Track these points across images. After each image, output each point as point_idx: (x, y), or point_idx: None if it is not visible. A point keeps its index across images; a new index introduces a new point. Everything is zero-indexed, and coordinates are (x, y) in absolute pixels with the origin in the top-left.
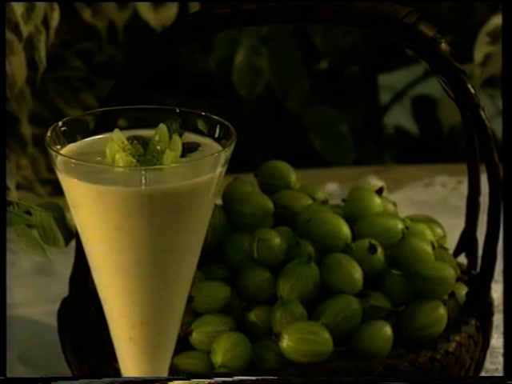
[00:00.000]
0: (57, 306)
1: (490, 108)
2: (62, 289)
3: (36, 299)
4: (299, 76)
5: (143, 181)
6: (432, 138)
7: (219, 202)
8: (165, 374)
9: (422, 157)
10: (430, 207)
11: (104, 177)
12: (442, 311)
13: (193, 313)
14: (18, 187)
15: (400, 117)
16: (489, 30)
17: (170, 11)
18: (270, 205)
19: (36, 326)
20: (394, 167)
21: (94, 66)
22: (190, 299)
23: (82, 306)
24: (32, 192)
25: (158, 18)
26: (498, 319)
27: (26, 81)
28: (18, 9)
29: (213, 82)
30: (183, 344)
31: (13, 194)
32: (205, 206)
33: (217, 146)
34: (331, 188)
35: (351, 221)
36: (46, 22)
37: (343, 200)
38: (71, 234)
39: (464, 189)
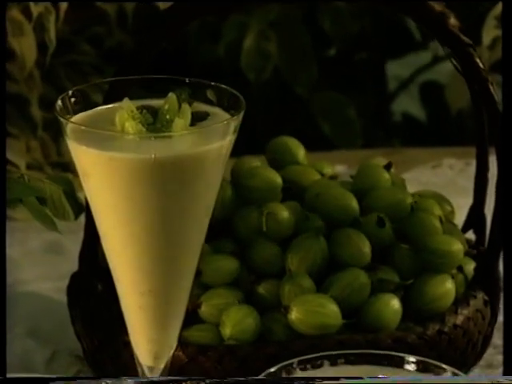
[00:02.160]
0: (66, 282)
1: (498, 94)
2: (71, 266)
3: (45, 276)
4: (307, 61)
5: (152, 148)
6: (440, 123)
7: (228, 177)
8: (174, 343)
9: (429, 142)
10: (438, 188)
11: (113, 144)
12: (450, 285)
13: (202, 286)
14: (28, 167)
15: (408, 103)
16: (496, 14)
17: None
18: (278, 179)
19: (45, 301)
20: (401, 150)
21: (103, 51)
22: (199, 273)
23: (91, 281)
24: (41, 173)
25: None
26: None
27: (35, 64)
28: None
29: (221, 68)
30: (192, 317)
31: (23, 171)
32: (214, 175)
33: (226, 115)
34: (339, 169)
35: (360, 195)
36: (55, 2)
37: (351, 177)
38: (81, 208)
39: (471, 171)
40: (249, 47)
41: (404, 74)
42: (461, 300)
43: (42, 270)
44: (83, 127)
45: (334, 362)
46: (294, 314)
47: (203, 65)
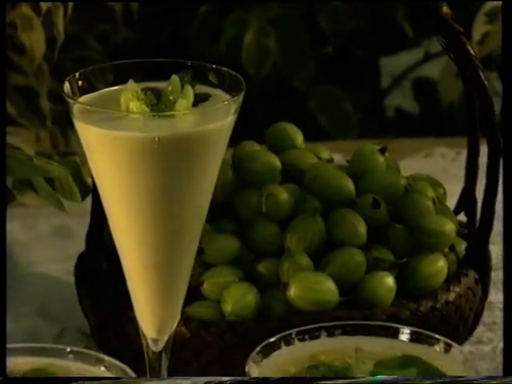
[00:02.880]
0: (73, 263)
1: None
2: (78, 249)
3: (54, 258)
4: (305, 57)
5: (156, 127)
6: (431, 117)
7: (229, 160)
8: (177, 316)
9: (422, 134)
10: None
11: (118, 123)
12: (443, 263)
13: (204, 264)
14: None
15: (401, 98)
16: (486, 11)
17: None
18: (277, 162)
19: (54, 282)
20: (395, 140)
21: (109, 48)
22: (201, 251)
23: (97, 260)
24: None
25: None
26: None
27: (44, 59)
28: None
29: (222, 64)
30: (195, 294)
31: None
32: (215, 153)
33: (227, 97)
34: (335, 158)
35: (355, 178)
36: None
37: (347, 161)
38: (87, 190)
39: (462, 159)
40: (249, 43)
41: (397, 70)
42: (452, 278)
43: (51, 252)
44: (89, 107)
45: (331, 333)
46: (293, 291)
47: (204, 61)
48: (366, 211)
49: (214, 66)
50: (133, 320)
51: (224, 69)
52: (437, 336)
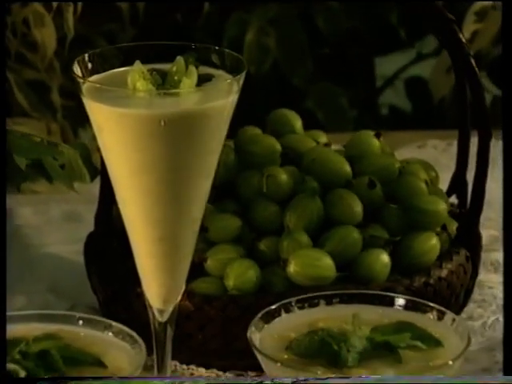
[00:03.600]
0: (83, 245)
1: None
2: (88, 232)
3: (65, 240)
4: (304, 55)
5: (161, 105)
6: (423, 113)
7: (231, 144)
8: (182, 287)
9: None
10: None
11: (125, 101)
12: (435, 241)
13: (207, 242)
14: None
15: (394, 96)
16: (476, 10)
17: None
18: (277, 145)
19: (64, 262)
20: (389, 133)
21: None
22: (205, 230)
23: (106, 239)
24: None
25: None
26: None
27: (56, 56)
28: None
29: None
30: (198, 270)
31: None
32: (218, 130)
33: (229, 77)
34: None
35: (352, 161)
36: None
37: (344, 146)
38: (96, 171)
39: (453, 150)
40: (250, 42)
41: (391, 69)
42: (445, 255)
43: (62, 235)
44: (98, 85)
45: (329, 301)
46: (292, 267)
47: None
48: (362, 192)
49: (216, 48)
50: (140, 295)
51: (226, 50)
52: (430, 304)
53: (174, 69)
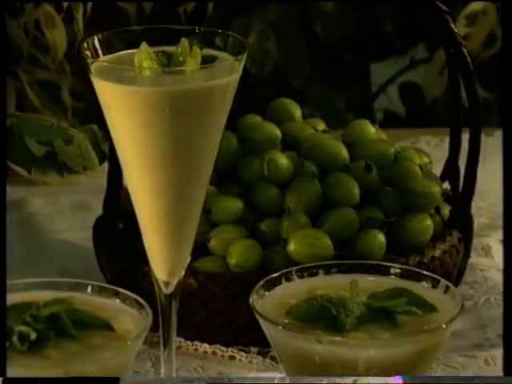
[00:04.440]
0: (91, 232)
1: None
2: None
3: (74, 228)
4: (303, 58)
5: (167, 83)
6: (417, 116)
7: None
8: (186, 260)
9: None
10: None
11: (132, 80)
12: (429, 222)
13: (210, 223)
14: None
15: (388, 102)
16: (466, 14)
17: None
18: (277, 132)
19: (73, 246)
20: (384, 130)
21: None
22: (208, 211)
23: (114, 221)
24: None
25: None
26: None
27: (66, 58)
28: None
29: None
30: (202, 250)
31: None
32: (221, 108)
33: (232, 58)
34: None
35: (349, 147)
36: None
37: (341, 135)
38: (104, 156)
39: (445, 145)
40: (251, 46)
41: (385, 75)
42: (438, 237)
43: (72, 223)
44: (106, 64)
45: (327, 271)
46: (292, 246)
47: None
48: (359, 175)
49: (220, 31)
50: (146, 273)
51: (230, 33)
52: (424, 272)
53: (179, 50)
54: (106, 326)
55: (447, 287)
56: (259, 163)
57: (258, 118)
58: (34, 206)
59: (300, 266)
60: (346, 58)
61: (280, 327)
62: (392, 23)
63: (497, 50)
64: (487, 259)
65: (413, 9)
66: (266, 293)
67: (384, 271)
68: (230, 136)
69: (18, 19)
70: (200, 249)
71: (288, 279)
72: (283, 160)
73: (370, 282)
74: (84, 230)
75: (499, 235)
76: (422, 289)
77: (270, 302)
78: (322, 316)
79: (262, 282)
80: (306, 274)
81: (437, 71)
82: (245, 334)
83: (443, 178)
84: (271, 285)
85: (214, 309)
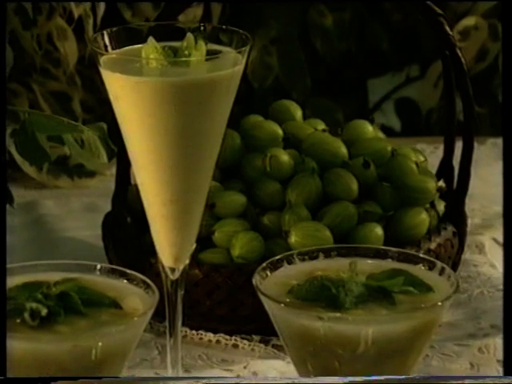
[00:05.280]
0: (100, 232)
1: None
2: None
3: (83, 227)
4: (302, 72)
5: (173, 74)
6: (412, 130)
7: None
8: (191, 247)
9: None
10: None
11: (140, 71)
12: (424, 216)
13: (215, 217)
14: None
15: (385, 116)
16: (459, 29)
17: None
18: (279, 130)
19: (82, 244)
20: None
21: None
22: (212, 205)
23: (122, 216)
24: None
25: (185, 17)
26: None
27: (77, 72)
28: None
29: None
30: (207, 243)
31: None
32: (225, 98)
33: (235, 51)
34: None
35: (348, 145)
36: (94, 9)
37: (340, 133)
38: (113, 153)
39: (439, 153)
40: (253, 60)
41: (382, 91)
42: (433, 230)
43: (81, 223)
44: (114, 55)
45: (327, 254)
46: (293, 238)
47: None
48: (358, 171)
49: (224, 27)
50: (152, 265)
51: (233, 29)
52: (421, 255)
53: (185, 44)
54: (114, 304)
55: (443, 269)
56: (261, 160)
57: (260, 118)
58: (46, 207)
59: (301, 250)
60: (343, 74)
61: (282, 305)
62: (388, 41)
63: (488, 63)
64: (480, 256)
65: (408, 27)
66: (269, 274)
67: (382, 255)
68: (233, 134)
69: (31, 30)
70: (204, 241)
71: (289, 262)
72: (285, 156)
73: (368, 265)
74: (93, 230)
75: (491, 234)
76: (419, 271)
77: (272, 283)
78: (322, 295)
79: (264, 264)
80: (306, 257)
81: (431, 84)
82: (247, 322)
83: (438, 176)
84: (273, 267)
85: (217, 298)
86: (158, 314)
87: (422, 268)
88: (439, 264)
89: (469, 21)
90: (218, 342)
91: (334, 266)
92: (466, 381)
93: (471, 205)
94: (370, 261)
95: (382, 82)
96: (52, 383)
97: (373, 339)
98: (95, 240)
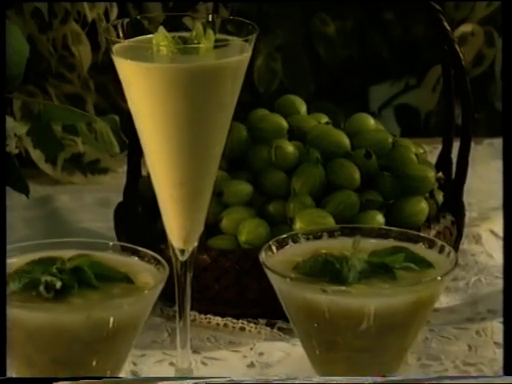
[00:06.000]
0: (112, 224)
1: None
2: None
3: (96, 219)
4: (306, 78)
5: (183, 61)
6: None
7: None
8: (200, 229)
9: None
10: None
11: (151, 58)
12: (424, 204)
13: (222, 205)
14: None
15: (385, 122)
16: (456, 36)
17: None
18: (284, 123)
19: (95, 234)
20: None
21: None
22: (220, 194)
23: (133, 205)
24: None
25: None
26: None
27: (90, 77)
28: None
29: None
30: (215, 229)
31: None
32: (232, 84)
33: (242, 39)
34: None
35: (350, 136)
36: (106, 14)
37: (343, 126)
38: (124, 145)
39: (438, 152)
40: (259, 66)
41: (382, 98)
42: (433, 219)
43: (94, 216)
44: (126, 43)
45: (331, 234)
46: (298, 224)
47: None
48: (360, 161)
49: (231, 18)
50: (162, 251)
51: (240, 19)
52: (421, 234)
53: (194, 33)
54: (126, 279)
55: (442, 247)
56: (267, 150)
57: (266, 112)
58: (60, 201)
59: (306, 230)
60: (345, 79)
61: (287, 279)
62: (388, 50)
63: (484, 68)
64: (477, 246)
65: (408, 37)
66: (275, 251)
67: (384, 234)
68: (240, 127)
69: (47, 34)
70: (213, 228)
71: (295, 241)
72: (290, 147)
73: (371, 243)
74: (106, 222)
75: (488, 225)
76: (419, 249)
77: (277, 260)
78: (326, 270)
79: (270, 242)
80: (311, 236)
81: (430, 88)
82: (254, 306)
83: (437, 169)
84: (279, 245)
85: (225, 282)
86: (168, 299)
87: (423, 246)
88: (439, 242)
89: (466, 27)
90: (225, 325)
91: (338, 245)
92: (468, 380)
93: (469, 199)
94: (372, 240)
95: (382, 89)
96: (53, 383)
97: (375, 312)
98: (107, 231)
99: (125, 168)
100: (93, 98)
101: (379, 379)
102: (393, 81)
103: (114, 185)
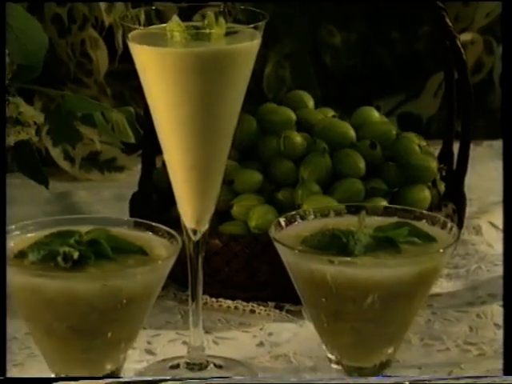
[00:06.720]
0: (127, 215)
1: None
2: None
3: (112, 212)
4: (313, 85)
5: (195, 46)
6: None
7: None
8: (212, 209)
9: None
10: None
11: (165, 44)
12: (427, 193)
13: (233, 193)
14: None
15: None
16: None
17: None
18: (292, 115)
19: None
20: None
21: None
22: (231, 182)
23: (148, 194)
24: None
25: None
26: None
27: (108, 84)
28: (102, 4)
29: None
30: (226, 216)
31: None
32: (243, 69)
33: (251, 26)
34: None
35: (356, 128)
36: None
37: (349, 119)
38: (139, 136)
39: (437, 153)
40: (268, 74)
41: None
42: (435, 207)
43: (110, 210)
44: (142, 29)
45: (338, 213)
46: None
47: None
48: (365, 151)
49: (242, 7)
50: None
51: (251, 8)
52: (424, 212)
53: (206, 22)
54: (141, 251)
55: (445, 223)
56: (276, 141)
57: (275, 105)
58: (78, 196)
59: (314, 208)
60: (350, 88)
61: (296, 251)
62: (390, 60)
63: (484, 76)
64: (477, 237)
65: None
66: (284, 227)
67: (388, 212)
68: (250, 119)
69: (66, 39)
70: (224, 214)
71: (303, 218)
72: (298, 137)
73: (376, 220)
74: (122, 215)
75: (488, 218)
76: (423, 225)
77: (286, 234)
78: (333, 243)
79: (279, 218)
80: (318, 214)
81: (431, 94)
82: (263, 289)
83: (439, 161)
84: (288, 221)
85: (235, 266)
86: (181, 284)
87: (426, 223)
88: (442, 219)
89: (466, 36)
90: (236, 308)
91: (344, 222)
92: (468, 380)
93: (469, 195)
94: (377, 218)
95: (386, 99)
96: (53, 383)
97: (380, 283)
98: None
99: (139, 167)
100: (110, 102)
101: (380, 379)
102: (395, 90)
103: (129, 182)
